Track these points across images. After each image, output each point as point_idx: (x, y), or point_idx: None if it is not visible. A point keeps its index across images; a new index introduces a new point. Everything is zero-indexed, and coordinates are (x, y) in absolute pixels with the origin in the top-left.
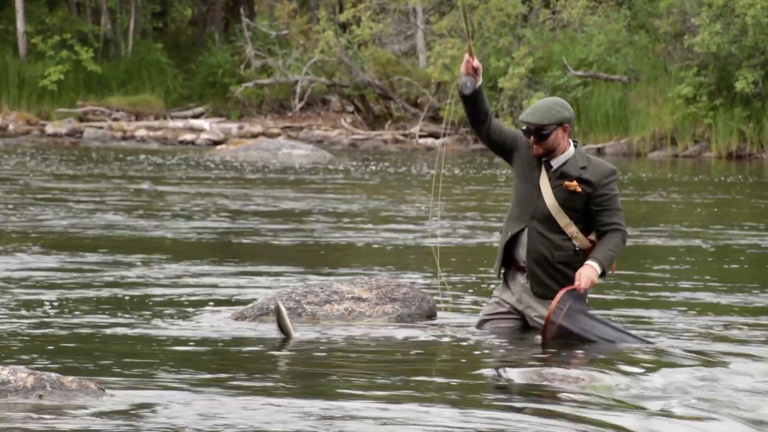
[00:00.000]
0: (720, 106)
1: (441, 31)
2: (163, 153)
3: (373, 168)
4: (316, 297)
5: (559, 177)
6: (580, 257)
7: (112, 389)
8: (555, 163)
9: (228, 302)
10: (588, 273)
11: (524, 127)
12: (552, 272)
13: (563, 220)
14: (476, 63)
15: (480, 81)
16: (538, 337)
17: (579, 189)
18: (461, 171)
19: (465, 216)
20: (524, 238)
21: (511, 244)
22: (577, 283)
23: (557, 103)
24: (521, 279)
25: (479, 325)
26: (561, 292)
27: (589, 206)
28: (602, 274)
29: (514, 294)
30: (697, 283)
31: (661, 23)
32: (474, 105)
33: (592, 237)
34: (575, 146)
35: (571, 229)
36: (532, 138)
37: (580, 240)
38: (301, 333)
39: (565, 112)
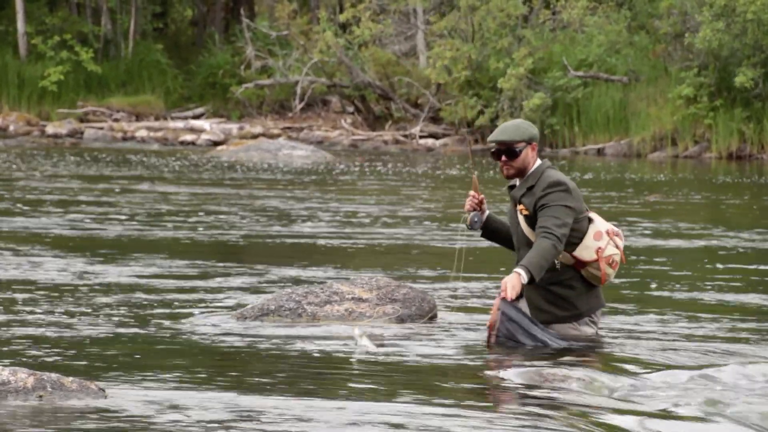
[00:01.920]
0: (720, 106)
1: (441, 32)
2: (163, 153)
3: (373, 168)
4: (316, 297)
5: (516, 203)
6: (567, 274)
7: (112, 389)
8: (514, 188)
9: (228, 302)
10: (512, 281)
11: (493, 149)
12: (545, 294)
13: None
14: (481, 197)
15: (486, 212)
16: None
17: (525, 211)
18: (461, 171)
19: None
20: None
21: None
22: (503, 292)
23: (524, 122)
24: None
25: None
26: (497, 300)
27: None
28: (531, 281)
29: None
30: (697, 284)
31: (662, 24)
32: (492, 237)
33: (577, 252)
34: (539, 165)
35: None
36: (503, 158)
37: (560, 257)
38: (300, 332)
39: (533, 130)
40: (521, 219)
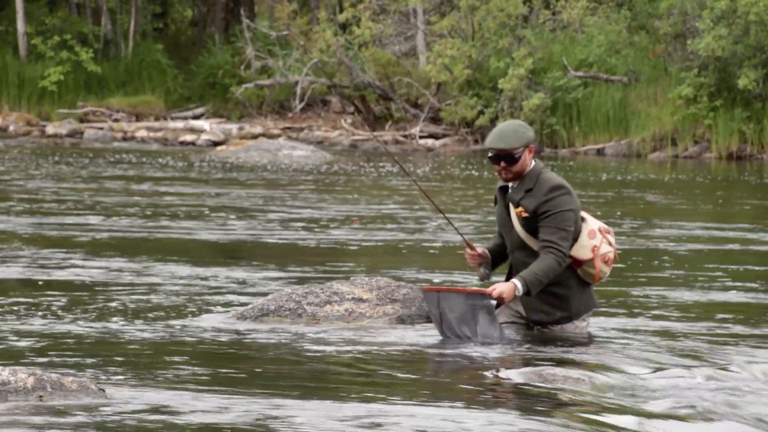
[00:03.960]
0: (720, 106)
1: (441, 32)
2: (163, 154)
3: (374, 168)
4: (316, 298)
5: (514, 205)
6: (564, 273)
7: (112, 390)
8: (511, 190)
9: (228, 302)
10: (507, 289)
11: (490, 154)
12: (541, 296)
13: (534, 244)
14: (479, 250)
15: (488, 256)
16: (538, 338)
17: (525, 213)
18: (463, 171)
19: (468, 218)
20: (514, 270)
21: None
22: (491, 288)
23: (521, 125)
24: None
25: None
26: (472, 289)
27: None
28: (527, 293)
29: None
30: (697, 283)
31: (662, 24)
32: (495, 265)
33: (574, 252)
34: (534, 166)
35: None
36: (501, 163)
37: None
38: (300, 333)
39: (530, 133)
40: (517, 221)
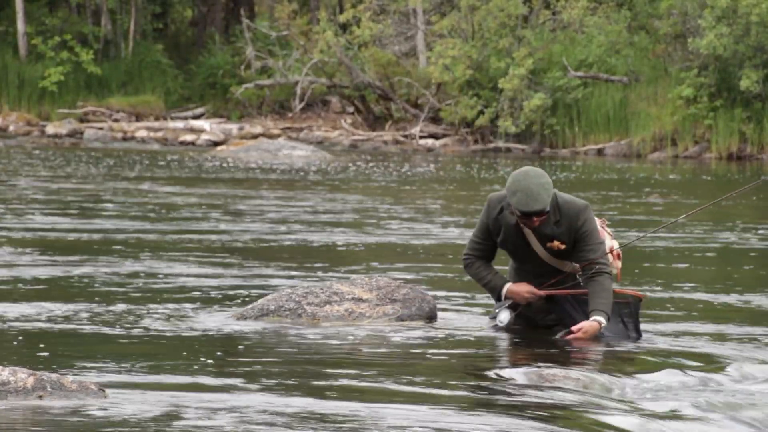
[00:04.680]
0: (720, 107)
1: (441, 32)
2: (163, 153)
3: (374, 169)
4: (316, 298)
5: (541, 238)
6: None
7: (112, 389)
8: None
9: (228, 302)
10: (592, 330)
11: (519, 213)
12: (575, 304)
13: (560, 264)
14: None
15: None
16: (538, 338)
17: (562, 246)
18: (464, 172)
19: (469, 217)
20: (519, 279)
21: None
22: (578, 330)
23: (539, 175)
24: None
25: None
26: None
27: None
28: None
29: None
30: (697, 284)
31: (662, 24)
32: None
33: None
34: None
35: (571, 267)
36: (534, 219)
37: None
38: (300, 333)
39: (549, 180)
40: (543, 250)
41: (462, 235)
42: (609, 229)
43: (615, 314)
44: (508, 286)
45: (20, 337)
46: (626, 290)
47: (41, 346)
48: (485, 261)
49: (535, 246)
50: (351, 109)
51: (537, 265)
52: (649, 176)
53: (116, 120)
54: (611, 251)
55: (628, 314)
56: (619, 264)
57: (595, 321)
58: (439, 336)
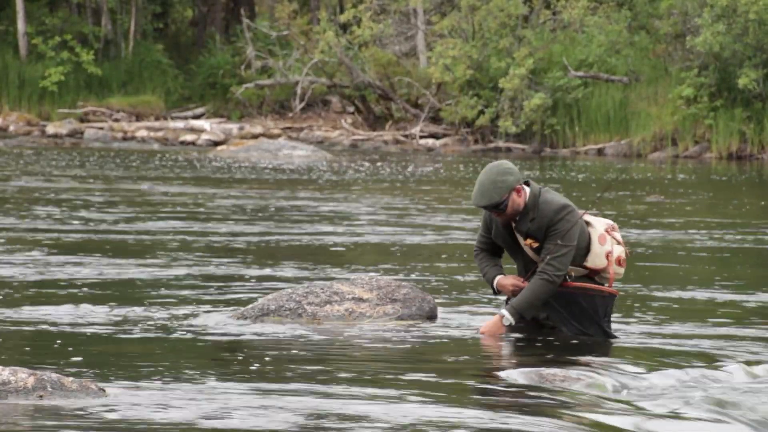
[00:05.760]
0: (720, 106)
1: (441, 32)
2: (163, 153)
3: (374, 169)
4: (316, 298)
5: (522, 235)
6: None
7: (112, 389)
8: (515, 223)
9: (228, 302)
10: (490, 324)
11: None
12: (569, 308)
13: None
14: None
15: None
16: (538, 338)
17: (535, 244)
18: (465, 171)
19: (469, 217)
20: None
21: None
22: (483, 328)
23: (499, 172)
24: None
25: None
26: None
27: None
28: (520, 320)
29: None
30: (697, 283)
31: (662, 24)
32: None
33: (589, 263)
34: (530, 195)
35: None
36: (494, 213)
37: (572, 271)
38: (300, 332)
39: (510, 177)
40: (529, 249)
41: (462, 235)
42: (618, 235)
43: (587, 310)
44: (498, 278)
45: (20, 337)
46: (603, 288)
47: (41, 346)
48: (489, 254)
49: (521, 243)
50: (351, 109)
51: (526, 261)
52: (647, 175)
53: (116, 120)
54: (608, 256)
55: (594, 308)
56: (620, 270)
57: (498, 315)
58: (440, 336)
